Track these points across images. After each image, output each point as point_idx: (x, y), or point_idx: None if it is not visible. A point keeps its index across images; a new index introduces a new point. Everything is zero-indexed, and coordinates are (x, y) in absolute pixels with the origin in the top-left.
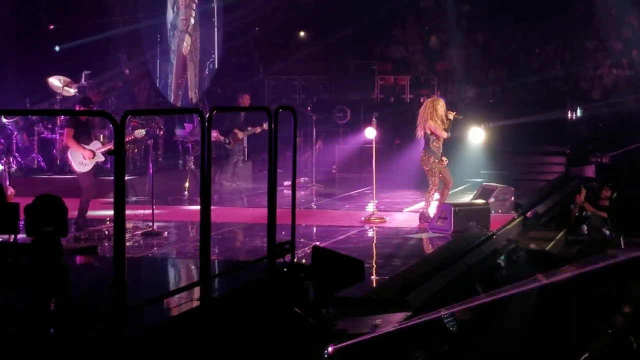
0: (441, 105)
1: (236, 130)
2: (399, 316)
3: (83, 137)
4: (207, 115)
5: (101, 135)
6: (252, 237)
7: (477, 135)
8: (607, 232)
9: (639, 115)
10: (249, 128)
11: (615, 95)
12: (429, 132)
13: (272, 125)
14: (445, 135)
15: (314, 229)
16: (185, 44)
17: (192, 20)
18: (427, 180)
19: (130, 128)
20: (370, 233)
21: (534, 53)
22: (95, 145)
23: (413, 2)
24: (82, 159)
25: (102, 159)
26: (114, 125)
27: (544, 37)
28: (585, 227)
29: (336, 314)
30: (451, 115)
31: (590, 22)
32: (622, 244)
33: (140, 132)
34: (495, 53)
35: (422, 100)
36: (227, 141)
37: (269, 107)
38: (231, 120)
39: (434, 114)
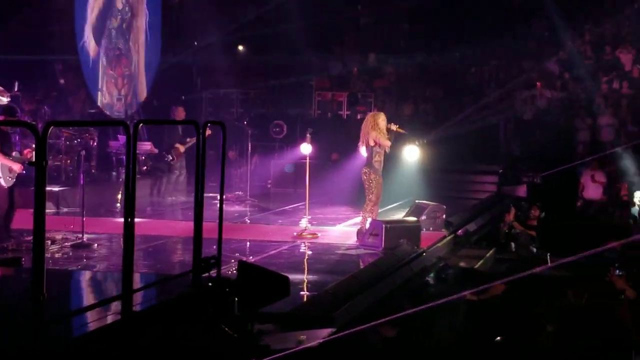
0: (382, 118)
1: (177, 145)
2: (324, 332)
3: (5, 147)
4: (133, 129)
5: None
6: (182, 250)
7: (411, 153)
8: (534, 250)
9: (570, 136)
10: (188, 140)
11: (548, 116)
12: (372, 144)
13: (201, 139)
14: (389, 144)
15: (247, 243)
16: (122, 55)
17: (130, 32)
18: (365, 196)
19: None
20: (302, 248)
21: (470, 73)
22: (16, 156)
23: (353, 19)
24: (9, 173)
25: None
26: (36, 136)
27: (482, 57)
28: (514, 245)
29: (261, 329)
30: (394, 127)
31: (526, 44)
32: (548, 261)
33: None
34: (432, 72)
35: (359, 116)
36: (171, 157)
37: (206, 121)
38: (170, 135)
39: (376, 127)
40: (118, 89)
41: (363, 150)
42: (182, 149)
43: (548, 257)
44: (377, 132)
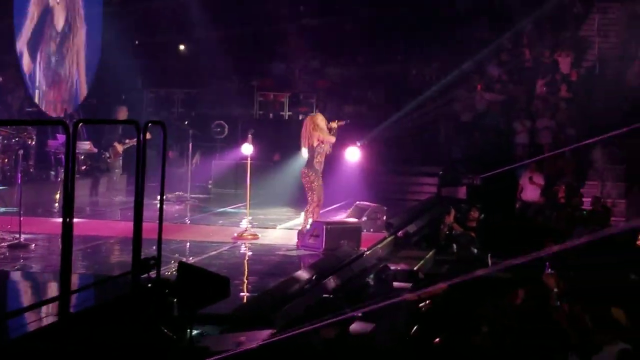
0: (321, 119)
1: (115, 144)
2: (264, 334)
3: None
4: (72, 128)
5: None
6: (122, 251)
7: (352, 154)
8: (475, 251)
9: (509, 138)
10: (127, 140)
11: (487, 119)
12: (316, 144)
13: (141, 140)
14: (333, 139)
15: (187, 244)
16: (63, 51)
17: (71, 29)
18: (306, 197)
19: None
20: (243, 249)
21: (412, 75)
22: None
23: (296, 19)
24: None
25: None
26: None
27: (423, 59)
28: (455, 247)
29: (200, 331)
30: (334, 125)
31: (469, 46)
32: (489, 262)
33: None
34: (375, 74)
35: (300, 117)
36: (108, 155)
37: (147, 121)
38: (110, 134)
39: (317, 128)
40: (56, 88)
41: (305, 152)
42: (119, 148)
43: (489, 258)
44: (319, 132)
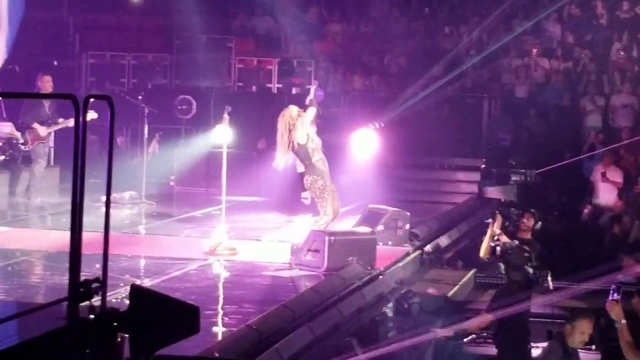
0: (294, 111)
1: (35, 126)
2: None
3: None
4: None
5: None
6: (53, 270)
7: (364, 141)
8: (530, 271)
9: (576, 120)
10: (60, 120)
11: (546, 94)
12: (302, 141)
13: (80, 121)
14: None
15: (142, 261)
16: None
17: None
18: (317, 208)
19: None
20: (217, 268)
21: (444, 34)
22: None
23: None
24: None
25: None
26: None
27: (459, 13)
28: (501, 266)
29: None
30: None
31: None
32: (550, 286)
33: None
34: (392, 32)
35: (294, 91)
36: (22, 141)
37: (88, 95)
38: (32, 112)
39: (295, 125)
40: None
41: (282, 158)
42: (42, 131)
43: (549, 280)
44: (302, 129)
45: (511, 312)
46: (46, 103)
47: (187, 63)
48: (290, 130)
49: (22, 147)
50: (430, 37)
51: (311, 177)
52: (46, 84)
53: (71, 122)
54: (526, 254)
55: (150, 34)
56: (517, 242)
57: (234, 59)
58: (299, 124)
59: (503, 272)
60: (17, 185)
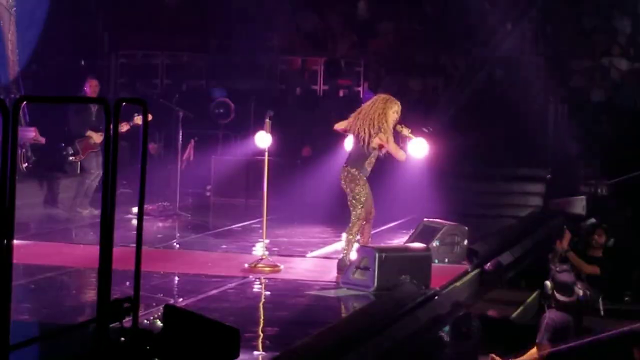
0: (395, 110)
1: (90, 134)
2: None
3: None
4: (12, 108)
5: None
6: (81, 288)
7: (417, 148)
8: (580, 293)
9: None
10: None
11: (619, 96)
12: (375, 146)
13: (111, 127)
14: (403, 156)
15: (176, 278)
16: None
17: None
18: (350, 210)
19: None
20: (257, 287)
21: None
22: None
23: None
24: None
25: None
26: None
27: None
28: (548, 285)
29: None
30: (406, 131)
31: None
32: (601, 309)
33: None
34: (449, 29)
35: (341, 93)
36: (72, 151)
37: (119, 99)
38: (82, 118)
39: (383, 120)
40: None
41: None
42: (96, 138)
43: (600, 303)
44: (385, 132)
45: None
46: (93, 108)
47: (225, 63)
48: (377, 118)
49: (72, 158)
50: (487, 34)
51: (352, 171)
52: (95, 88)
53: (123, 127)
54: (576, 273)
55: (185, 32)
56: (586, 261)
57: (276, 59)
58: (384, 126)
59: (549, 292)
60: (55, 195)
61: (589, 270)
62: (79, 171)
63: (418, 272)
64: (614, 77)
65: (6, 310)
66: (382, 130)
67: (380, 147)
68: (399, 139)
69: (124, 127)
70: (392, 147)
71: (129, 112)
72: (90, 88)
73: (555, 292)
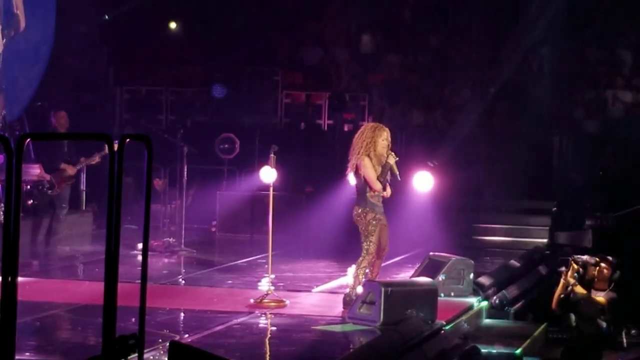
0: (384, 138)
1: (64, 166)
2: None
3: None
4: (15, 145)
5: None
6: (85, 325)
7: (422, 182)
8: (604, 325)
9: None
10: (82, 159)
11: (624, 128)
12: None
13: (115, 163)
14: (379, 188)
15: (181, 314)
16: None
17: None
18: (361, 245)
19: None
20: (263, 322)
21: (508, 59)
22: None
23: None
24: None
25: None
26: None
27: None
28: (574, 318)
29: None
30: (392, 160)
31: (590, 20)
32: (624, 342)
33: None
34: (453, 62)
35: (346, 128)
36: (48, 185)
37: (123, 135)
38: (51, 152)
39: (371, 149)
40: None
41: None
42: (70, 170)
43: (624, 336)
44: (369, 160)
45: None
46: (65, 142)
47: (230, 97)
48: (364, 146)
49: (49, 192)
50: (494, 65)
51: (359, 211)
52: (61, 120)
53: (95, 159)
54: (599, 306)
55: (189, 66)
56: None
57: (280, 94)
58: (372, 151)
59: (574, 324)
60: (38, 234)
61: (597, 301)
62: (50, 207)
63: (424, 306)
64: (616, 109)
65: (11, 347)
66: (368, 155)
67: (360, 171)
68: (385, 169)
69: (96, 159)
70: (369, 173)
71: (99, 144)
72: (57, 120)
73: (579, 324)
